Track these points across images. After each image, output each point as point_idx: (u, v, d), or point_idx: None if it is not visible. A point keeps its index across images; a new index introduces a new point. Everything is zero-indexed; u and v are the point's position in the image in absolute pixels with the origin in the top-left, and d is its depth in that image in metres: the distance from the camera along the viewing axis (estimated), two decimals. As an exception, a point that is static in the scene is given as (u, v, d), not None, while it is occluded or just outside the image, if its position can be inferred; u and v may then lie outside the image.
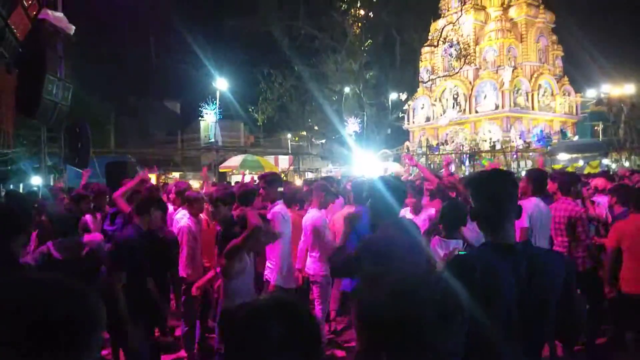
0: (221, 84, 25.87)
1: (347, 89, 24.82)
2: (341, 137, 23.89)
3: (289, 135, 34.31)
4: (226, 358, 0.98)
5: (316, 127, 26.81)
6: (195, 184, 15.43)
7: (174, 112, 43.44)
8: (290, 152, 30.09)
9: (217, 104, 27.72)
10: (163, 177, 16.18)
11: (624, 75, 30.26)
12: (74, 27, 8.43)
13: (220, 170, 19.67)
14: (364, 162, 18.66)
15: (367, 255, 2.38)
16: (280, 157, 25.07)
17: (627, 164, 18.47)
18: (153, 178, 10.72)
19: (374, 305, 0.99)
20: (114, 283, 3.31)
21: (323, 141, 28.53)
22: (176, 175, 22.27)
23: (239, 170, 16.76)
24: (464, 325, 0.99)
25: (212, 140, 27.86)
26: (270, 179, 4.72)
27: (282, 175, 19.36)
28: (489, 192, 1.74)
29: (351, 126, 25.28)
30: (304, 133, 29.79)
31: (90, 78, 20.90)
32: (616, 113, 29.98)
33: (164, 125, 38.28)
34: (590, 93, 33.60)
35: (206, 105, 28.46)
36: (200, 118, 32.39)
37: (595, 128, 33.64)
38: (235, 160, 18.99)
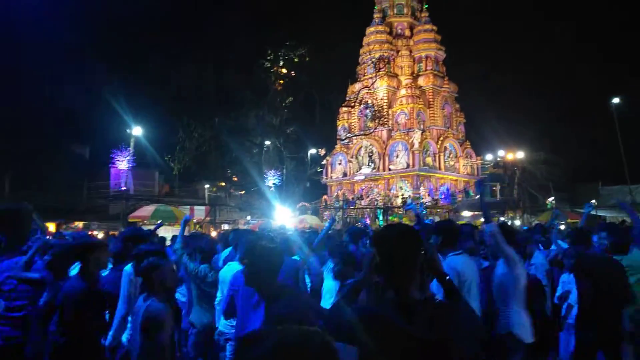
0: (136, 130, 24.97)
1: (267, 142, 25.14)
2: (260, 189, 23.86)
3: (207, 186, 33.58)
4: None
5: (235, 178, 26.59)
6: (100, 234, 14.38)
7: (81, 157, 40.74)
8: (207, 202, 29.33)
9: (131, 151, 26.57)
10: (64, 226, 14.88)
11: (516, 142, 34.01)
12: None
13: (130, 220, 18.55)
14: (283, 215, 18.68)
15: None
16: (197, 207, 24.30)
17: (518, 222, 20.30)
18: (52, 227, 9.85)
19: None
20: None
21: (242, 192, 28.26)
22: (80, 224, 20.61)
23: (150, 220, 15.93)
24: None
25: (123, 188, 26.38)
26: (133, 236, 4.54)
27: (197, 226, 18.68)
28: (389, 250, 1.77)
29: (271, 179, 25.43)
30: (223, 184, 29.37)
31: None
32: (510, 175, 33.33)
33: (69, 171, 35.65)
34: (489, 157, 37.15)
35: (118, 152, 27.13)
36: (111, 165, 30.70)
37: (494, 188, 36.98)
38: (146, 210, 18.05)
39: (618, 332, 4.22)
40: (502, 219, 20.68)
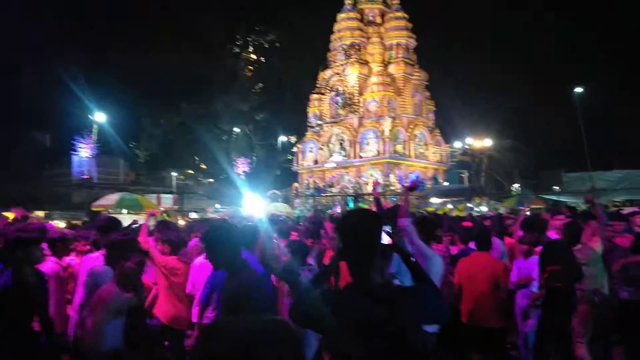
0: (99, 116, 24.10)
1: (237, 129, 24.75)
2: (230, 177, 23.52)
3: (174, 174, 32.88)
4: None
5: (204, 166, 26.12)
6: (61, 223, 13.85)
7: (42, 144, 39.18)
8: (175, 190, 28.74)
9: (95, 138, 25.68)
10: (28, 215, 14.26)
11: (484, 130, 34.67)
12: None
13: (93, 209, 17.96)
14: (253, 203, 18.46)
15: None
16: (163, 195, 23.75)
17: (485, 208, 20.74)
18: (11, 217, 9.38)
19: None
20: None
21: (211, 180, 27.80)
22: (40, 214, 19.84)
23: (115, 209, 15.45)
24: None
25: (86, 176, 25.54)
26: (106, 225, 4.48)
27: (165, 215, 18.27)
28: (351, 235, 1.78)
29: (240, 166, 25.09)
30: (191, 171, 28.81)
31: None
32: (478, 163, 34.02)
33: (28, 158, 34.24)
34: (457, 144, 37.76)
35: (81, 139, 26.16)
36: (73, 152, 29.63)
37: (461, 175, 37.72)
38: (111, 199, 17.48)
39: (574, 308, 4.47)
40: (469, 205, 21.09)
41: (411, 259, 1.89)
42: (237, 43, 24.23)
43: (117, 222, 4.87)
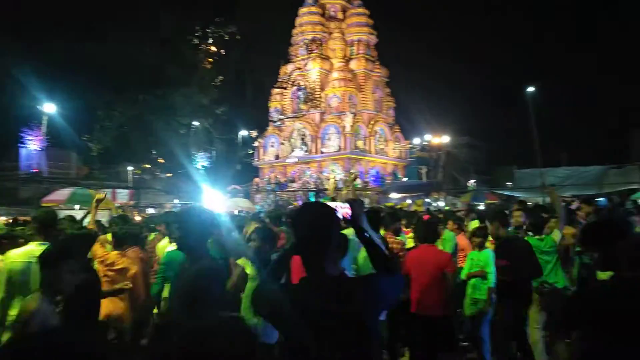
0: (49, 107, 22.96)
1: (196, 123, 24.20)
2: (189, 172, 22.98)
3: (130, 168, 31.81)
4: None
5: (161, 160, 25.39)
6: (8, 220, 13.13)
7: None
8: (130, 185, 27.84)
9: (44, 129, 24.47)
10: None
11: (442, 127, 35.52)
12: None
13: (44, 204, 17.14)
14: (212, 198, 18.15)
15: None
16: (119, 190, 23.00)
17: (442, 203, 21.29)
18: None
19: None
20: None
21: (169, 175, 27.11)
22: (-16, 209, 18.73)
23: (67, 204, 14.80)
24: None
25: (35, 170, 24.31)
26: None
27: (120, 210, 17.67)
28: (305, 229, 1.77)
29: (200, 161, 24.57)
30: (148, 166, 27.96)
31: None
32: (435, 159, 34.85)
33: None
34: (416, 141, 38.52)
35: (29, 131, 24.88)
36: (21, 144, 28.12)
37: (420, 171, 38.54)
38: (62, 194, 16.73)
39: (530, 301, 4.71)
40: (427, 200, 21.58)
41: (365, 234, 1.90)
42: (197, 34, 23.63)
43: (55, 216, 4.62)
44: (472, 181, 38.18)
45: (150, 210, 19.21)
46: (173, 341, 0.88)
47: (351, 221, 1.92)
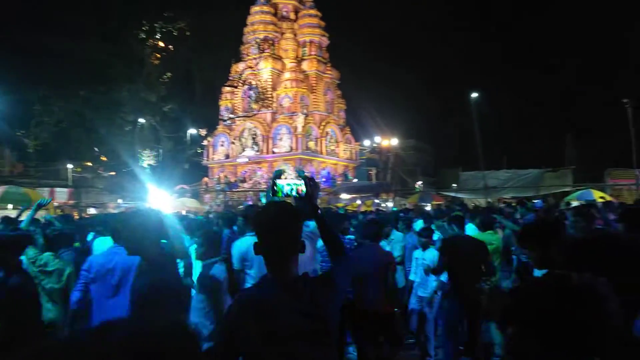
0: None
1: (142, 120, 23.34)
2: (134, 170, 22.12)
3: (70, 166, 30.18)
4: None
5: (104, 158, 24.27)
6: None
7: None
8: (70, 184, 26.41)
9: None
10: None
11: (391, 130, 36.34)
12: None
13: (-29, 204, 15.94)
14: (159, 198, 17.60)
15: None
16: (58, 189, 21.79)
17: (390, 204, 21.78)
18: None
19: None
20: None
21: (112, 174, 25.96)
22: None
23: (-2, 204, 13.87)
24: None
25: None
26: None
27: (59, 210, 16.75)
28: (269, 230, 1.74)
29: (146, 159, 23.71)
30: (90, 164, 26.64)
31: None
32: (385, 161, 35.62)
33: None
34: (366, 143, 39.19)
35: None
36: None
37: (370, 172, 39.26)
38: (-7, 193, 15.68)
39: (478, 304, 4.85)
40: (376, 200, 22.00)
41: (318, 211, 1.92)
42: (144, 29, 22.79)
43: None
44: (419, 183, 39.35)
45: (92, 210, 18.35)
46: (115, 341, 0.84)
47: (305, 197, 1.94)
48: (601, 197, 14.73)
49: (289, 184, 1.99)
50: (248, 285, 3.91)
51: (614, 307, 1.06)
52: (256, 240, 1.77)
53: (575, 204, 12.03)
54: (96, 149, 23.17)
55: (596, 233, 2.70)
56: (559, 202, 14.59)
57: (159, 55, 23.38)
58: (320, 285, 1.75)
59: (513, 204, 11.49)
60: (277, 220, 1.75)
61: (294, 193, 1.95)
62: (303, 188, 1.93)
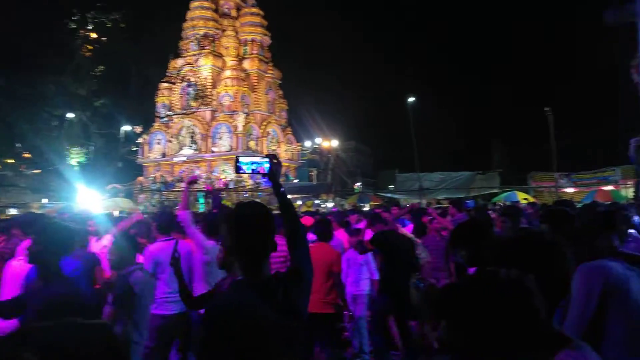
0: None
1: (71, 115, 22.00)
2: (61, 169, 20.78)
3: (-12, 163, 27.78)
4: None
5: (28, 155, 22.59)
6: None
7: None
8: (-13, 182, 24.28)
9: None
10: None
11: (331, 131, 36.84)
12: None
13: None
14: (89, 198, 16.65)
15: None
16: (-28, 188, 19.99)
17: (331, 204, 22.06)
18: None
19: None
20: None
21: (37, 172, 24.20)
22: None
23: None
24: None
25: None
26: None
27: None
28: (245, 230, 1.72)
29: (74, 157, 22.38)
30: (11, 161, 24.65)
31: None
32: (325, 162, 36.03)
33: None
34: (308, 143, 39.43)
35: None
36: None
37: (311, 173, 39.52)
38: None
39: (407, 302, 5.02)
40: (317, 201, 22.19)
41: (281, 189, 1.93)
42: (74, 18, 21.48)
43: None
44: (358, 184, 40.18)
45: (13, 211, 17.01)
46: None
47: (268, 175, 1.96)
48: (524, 199, 15.82)
49: (252, 162, 2.00)
50: (159, 290, 3.90)
51: (539, 302, 1.16)
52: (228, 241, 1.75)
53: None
54: (18, 145, 21.52)
55: (522, 232, 2.90)
56: (486, 203, 15.49)
57: (90, 47, 22.15)
58: (291, 282, 1.75)
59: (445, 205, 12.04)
60: (251, 221, 1.74)
61: (257, 170, 1.96)
62: (266, 166, 1.95)
